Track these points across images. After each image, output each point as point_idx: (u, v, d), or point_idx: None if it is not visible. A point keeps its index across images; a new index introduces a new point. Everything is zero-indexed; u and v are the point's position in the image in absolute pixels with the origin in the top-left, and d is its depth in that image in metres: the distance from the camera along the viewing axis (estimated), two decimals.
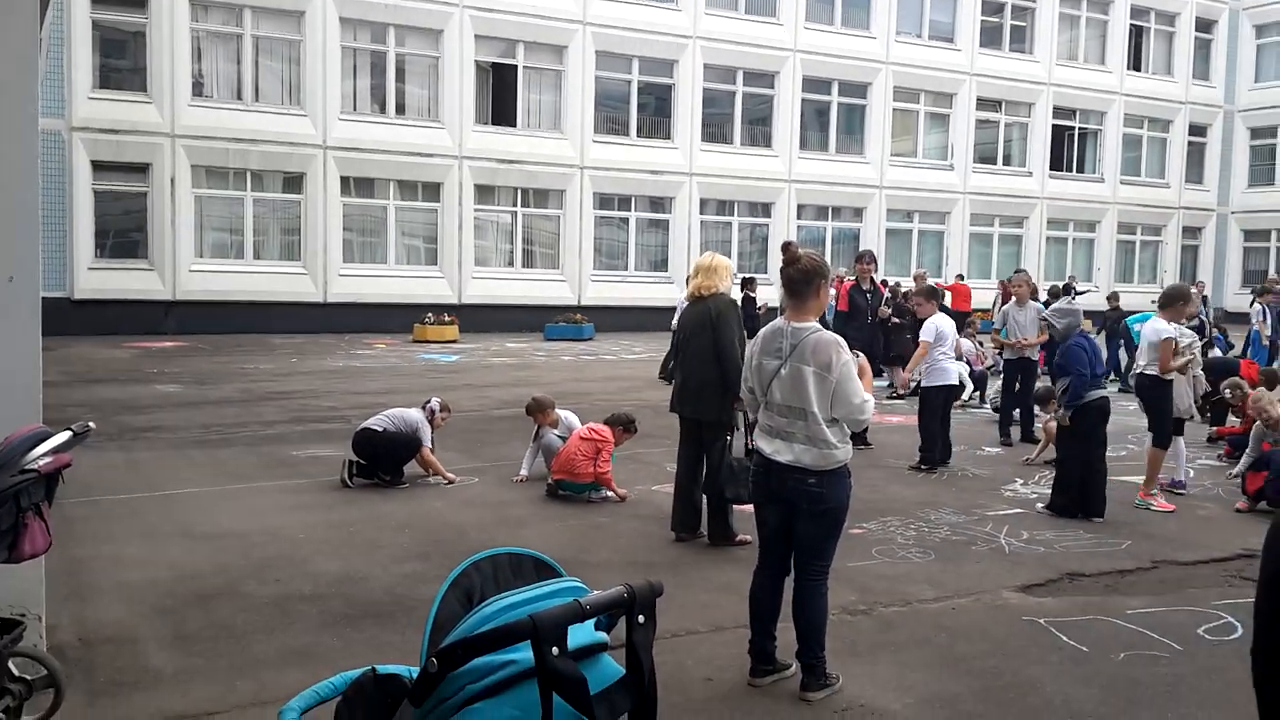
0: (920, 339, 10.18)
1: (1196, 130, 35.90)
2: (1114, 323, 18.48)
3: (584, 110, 26.86)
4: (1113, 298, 21.95)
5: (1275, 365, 16.26)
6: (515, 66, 26.40)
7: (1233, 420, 11.26)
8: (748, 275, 19.78)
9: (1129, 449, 11.10)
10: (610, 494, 8.24)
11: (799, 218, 29.74)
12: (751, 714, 4.43)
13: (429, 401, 9.19)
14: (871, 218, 30.56)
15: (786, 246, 4.81)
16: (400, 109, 25.53)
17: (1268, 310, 17.53)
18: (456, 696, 2.18)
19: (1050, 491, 8.44)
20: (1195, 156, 36.08)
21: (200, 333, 22.39)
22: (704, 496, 7.09)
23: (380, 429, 8.59)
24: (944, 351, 10.11)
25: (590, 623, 2.30)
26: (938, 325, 10.15)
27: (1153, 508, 8.46)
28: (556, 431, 8.92)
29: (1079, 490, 8.14)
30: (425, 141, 25.23)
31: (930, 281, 14.25)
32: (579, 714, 2.10)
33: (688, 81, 27.91)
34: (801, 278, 4.65)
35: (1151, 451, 8.67)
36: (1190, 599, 6.06)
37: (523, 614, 2.11)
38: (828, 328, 4.85)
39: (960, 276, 27.38)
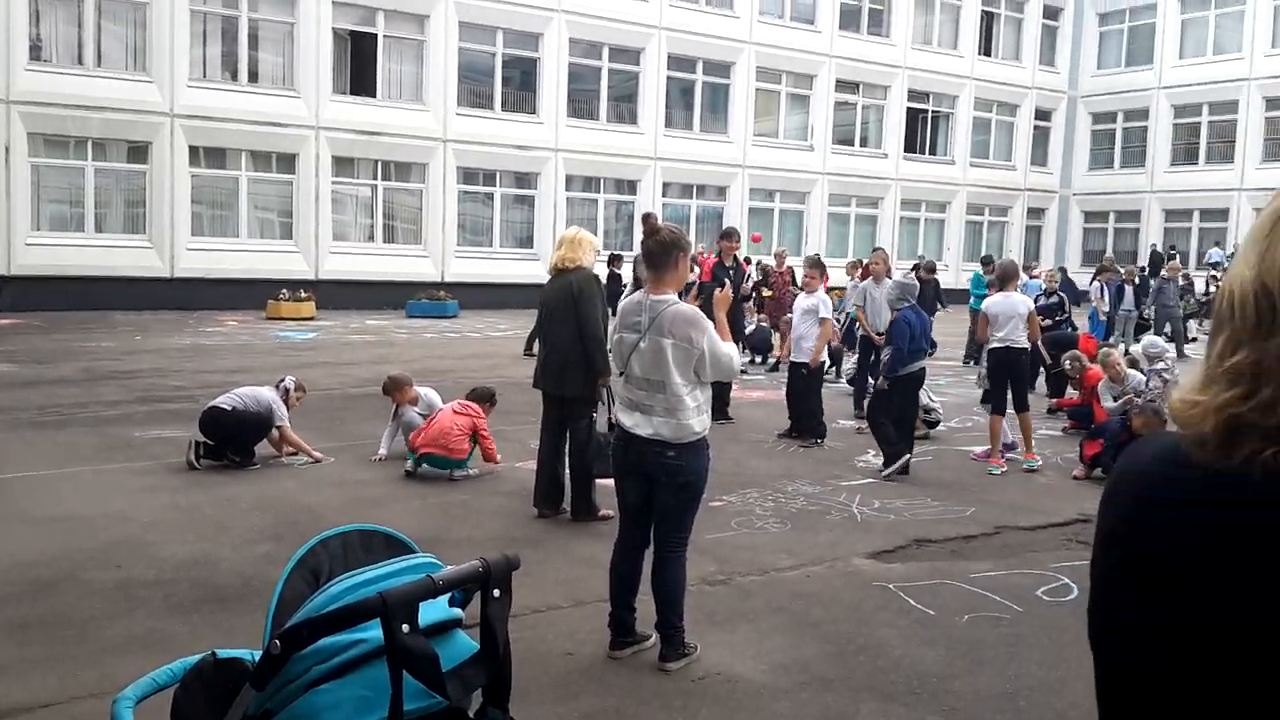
0: (820, 316, 10.27)
1: (1042, 115, 37.48)
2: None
3: (447, 82, 26.37)
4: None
5: (1112, 339, 17.24)
6: (375, 35, 25.70)
7: (1071, 392, 11.85)
8: (614, 253, 19.81)
9: (975, 420, 11.55)
10: (471, 471, 8.18)
11: (665, 195, 29.89)
12: (610, 686, 4.46)
13: (283, 380, 8.92)
14: (735, 196, 30.95)
15: (646, 218, 4.84)
16: (254, 77, 24.57)
17: (1105, 288, 18.64)
18: (302, 679, 2.13)
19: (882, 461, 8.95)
20: (1040, 140, 37.68)
21: (38, 309, 21.18)
22: (567, 472, 7.10)
23: (229, 408, 8.29)
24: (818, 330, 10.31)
25: (444, 599, 2.27)
26: (827, 300, 10.41)
27: (1036, 466, 9.18)
28: (417, 409, 8.78)
29: (891, 448, 8.81)
30: (280, 111, 24.36)
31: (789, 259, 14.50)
32: (431, 691, 2.07)
33: (553, 56, 27.68)
34: (660, 250, 4.67)
35: (1024, 418, 9.34)
36: (1030, 562, 6.36)
37: (372, 591, 2.07)
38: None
39: (817, 257, 28.04)
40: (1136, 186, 35.96)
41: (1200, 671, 1.01)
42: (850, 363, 13.95)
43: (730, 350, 4.64)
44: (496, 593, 2.19)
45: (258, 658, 2.17)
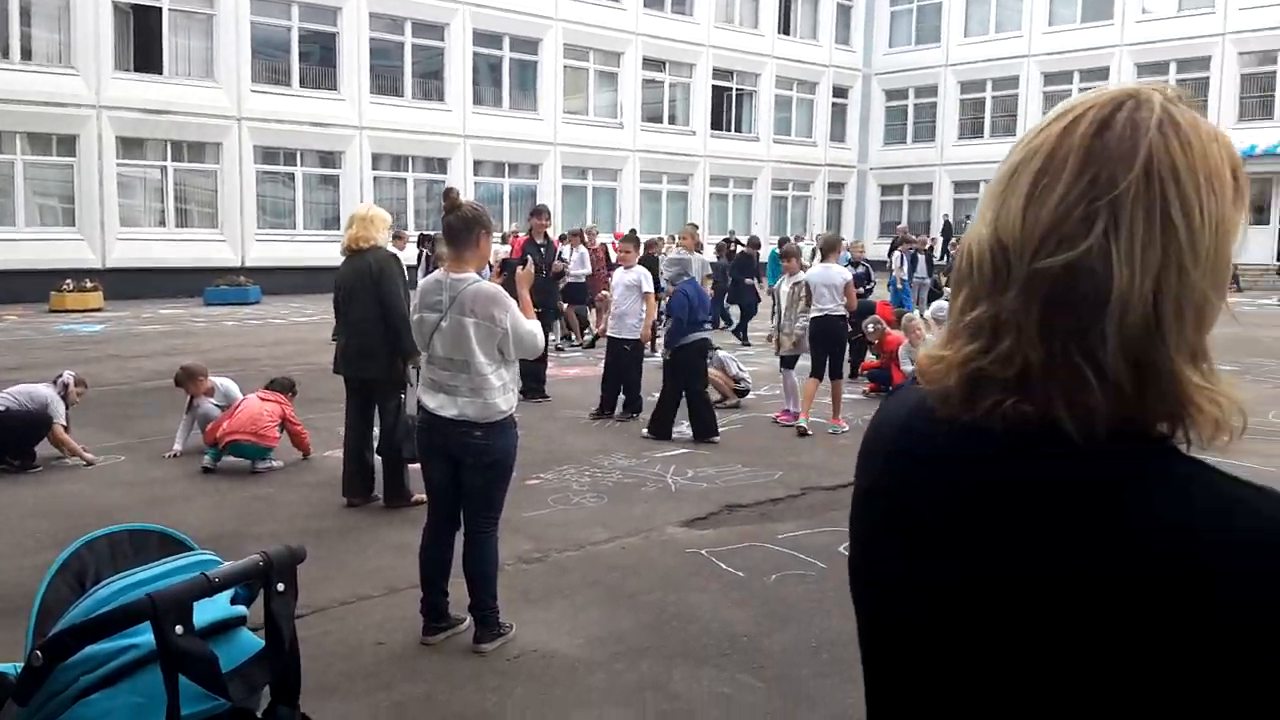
0: (644, 290, 10.26)
1: (839, 92, 38.85)
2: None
3: (239, 57, 25.17)
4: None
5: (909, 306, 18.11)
6: (159, 9, 24.24)
7: (871, 357, 12.36)
8: (424, 233, 19.41)
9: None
10: (276, 463, 7.88)
11: (476, 174, 29.50)
12: (422, 673, 4.38)
13: (60, 375, 8.34)
14: (547, 174, 30.84)
15: (447, 193, 4.72)
16: (26, 54, 22.80)
17: (904, 257, 19.71)
18: (69, 690, 2.00)
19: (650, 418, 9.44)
20: (838, 117, 39.06)
21: None
22: (377, 458, 6.92)
23: (3, 408, 7.70)
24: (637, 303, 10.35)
25: (226, 597, 2.17)
26: (647, 275, 10.46)
27: (843, 430, 9.56)
28: (213, 401, 8.38)
29: (692, 419, 9.22)
30: (57, 90, 22.70)
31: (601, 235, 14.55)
32: (212, 693, 1.97)
33: (353, 30, 26.81)
34: (462, 226, 4.57)
35: (837, 385, 9.78)
36: (833, 521, 6.60)
37: (141, 593, 1.95)
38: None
39: (633, 231, 28.25)
40: (928, 160, 37.76)
41: (952, 627, 1.03)
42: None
43: (534, 328, 4.61)
44: (280, 587, 2.10)
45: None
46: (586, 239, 16.15)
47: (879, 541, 1.12)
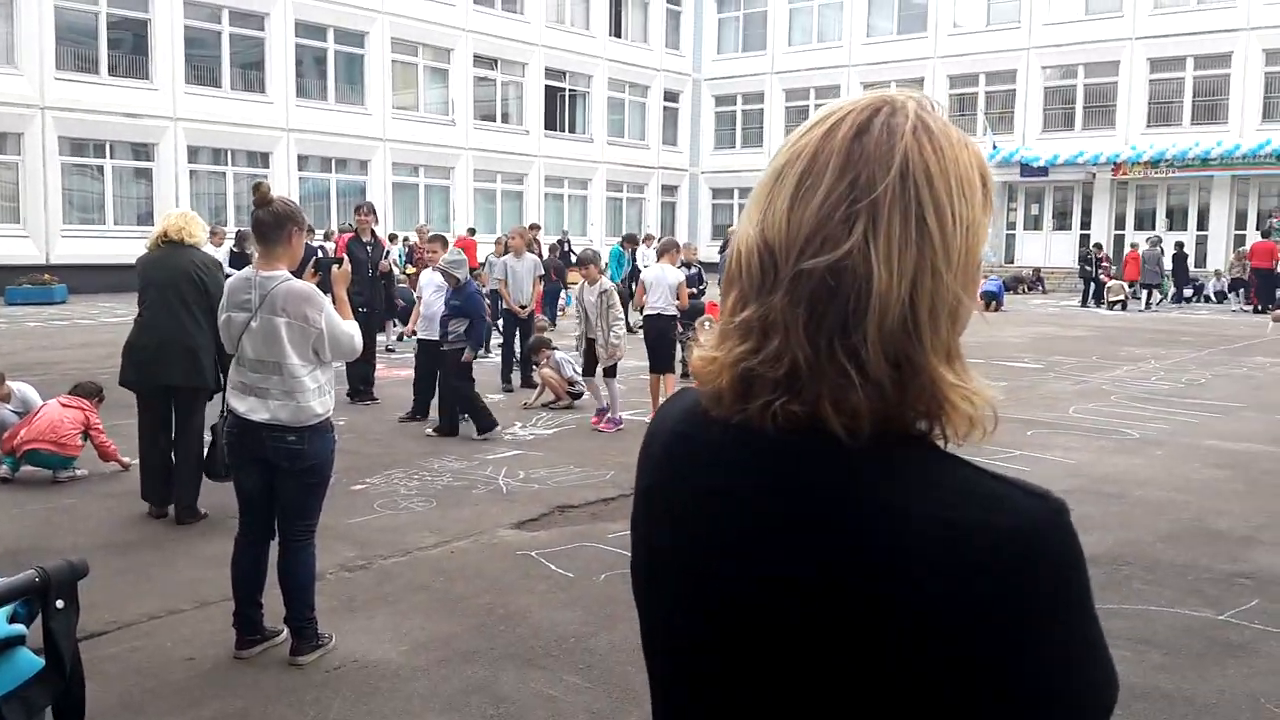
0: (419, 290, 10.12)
1: (670, 96, 39.39)
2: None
3: (42, 43, 23.64)
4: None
5: None
6: None
7: None
8: (244, 230, 18.64)
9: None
10: (79, 472, 7.42)
11: (301, 169, 28.57)
12: (236, 688, 4.20)
13: None
14: (376, 171, 30.15)
15: (257, 187, 4.52)
16: None
17: None
18: None
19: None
20: (670, 120, 39.59)
21: None
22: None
23: None
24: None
25: (4, 615, 2.02)
26: (435, 280, 10.15)
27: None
28: (9, 407, 7.84)
29: (476, 416, 9.30)
30: None
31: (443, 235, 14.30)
32: None
33: (166, 17, 25.54)
34: (273, 221, 4.39)
35: (668, 379, 10.00)
36: None
37: None
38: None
39: (471, 231, 27.87)
40: (756, 165, 38.58)
41: (728, 627, 1.04)
42: (498, 338, 14.01)
43: (351, 329, 4.47)
44: (60, 604, 1.96)
45: None
46: (418, 238, 15.83)
47: (656, 543, 1.12)
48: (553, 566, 5.69)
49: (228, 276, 5.18)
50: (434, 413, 9.77)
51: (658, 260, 10.59)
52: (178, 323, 6.31)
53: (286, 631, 4.49)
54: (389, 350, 14.58)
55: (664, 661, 1.14)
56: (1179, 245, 27.39)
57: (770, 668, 1.01)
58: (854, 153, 0.97)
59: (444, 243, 10.81)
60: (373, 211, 11.11)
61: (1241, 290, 26.31)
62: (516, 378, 12.16)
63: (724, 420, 1.02)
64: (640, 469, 1.15)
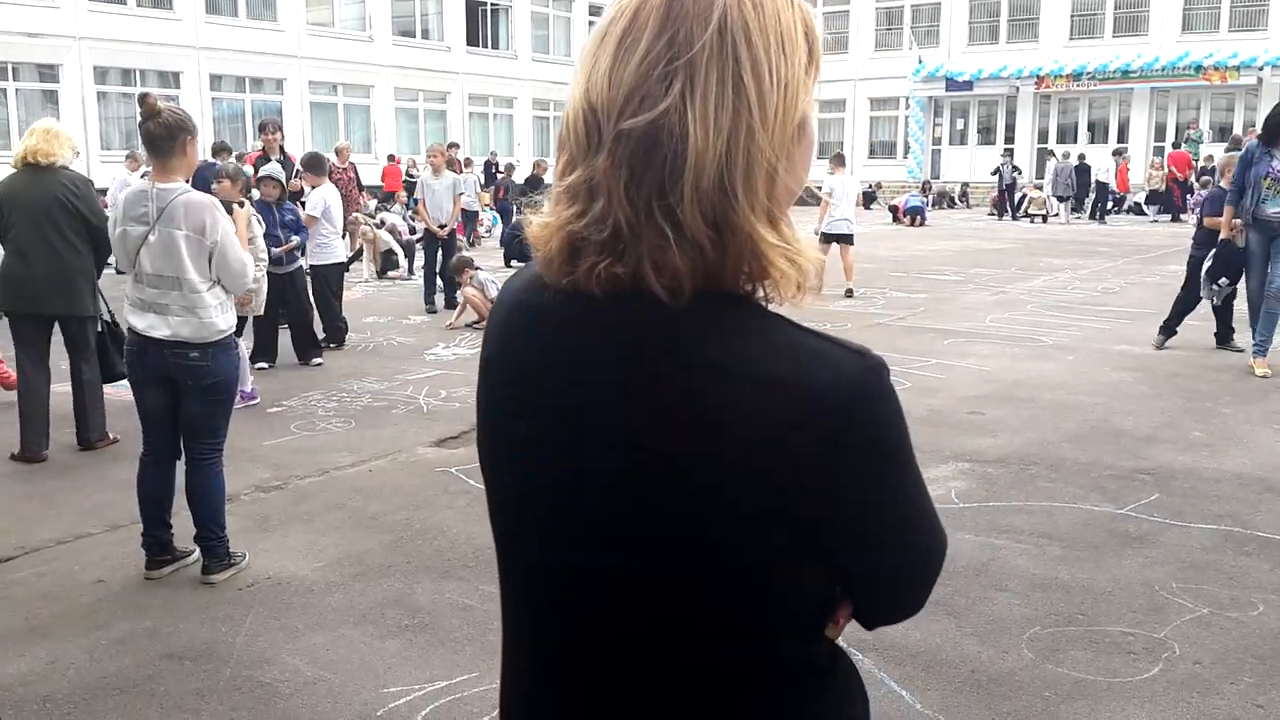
0: (306, 213, 9.51)
1: (595, 11, 38.57)
2: None
3: None
4: None
5: None
6: None
7: None
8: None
9: None
10: None
11: (214, 89, 27.61)
12: (146, 609, 4.16)
13: None
14: (292, 90, 29.23)
15: (144, 99, 4.36)
16: None
17: None
18: None
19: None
20: None
21: None
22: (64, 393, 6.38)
23: None
24: (331, 229, 9.78)
25: None
26: (325, 199, 9.65)
27: None
28: None
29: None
30: None
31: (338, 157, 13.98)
32: None
33: None
34: (165, 133, 4.24)
35: None
36: None
37: None
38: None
39: (391, 157, 27.25)
40: None
41: (569, 486, 1.05)
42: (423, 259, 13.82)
43: (245, 258, 4.38)
44: None
45: None
46: (338, 158, 15.42)
47: (497, 410, 1.12)
48: (472, 482, 5.69)
49: None
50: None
51: None
52: (54, 252, 5.96)
53: (198, 551, 4.45)
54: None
55: (505, 522, 1.15)
56: (1081, 157, 27.82)
57: (603, 523, 1.02)
58: (674, 9, 0.95)
59: (323, 166, 10.34)
60: (279, 129, 10.79)
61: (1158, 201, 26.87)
62: (440, 300, 12.03)
63: (554, 284, 1.02)
64: (484, 342, 1.15)
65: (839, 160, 13.78)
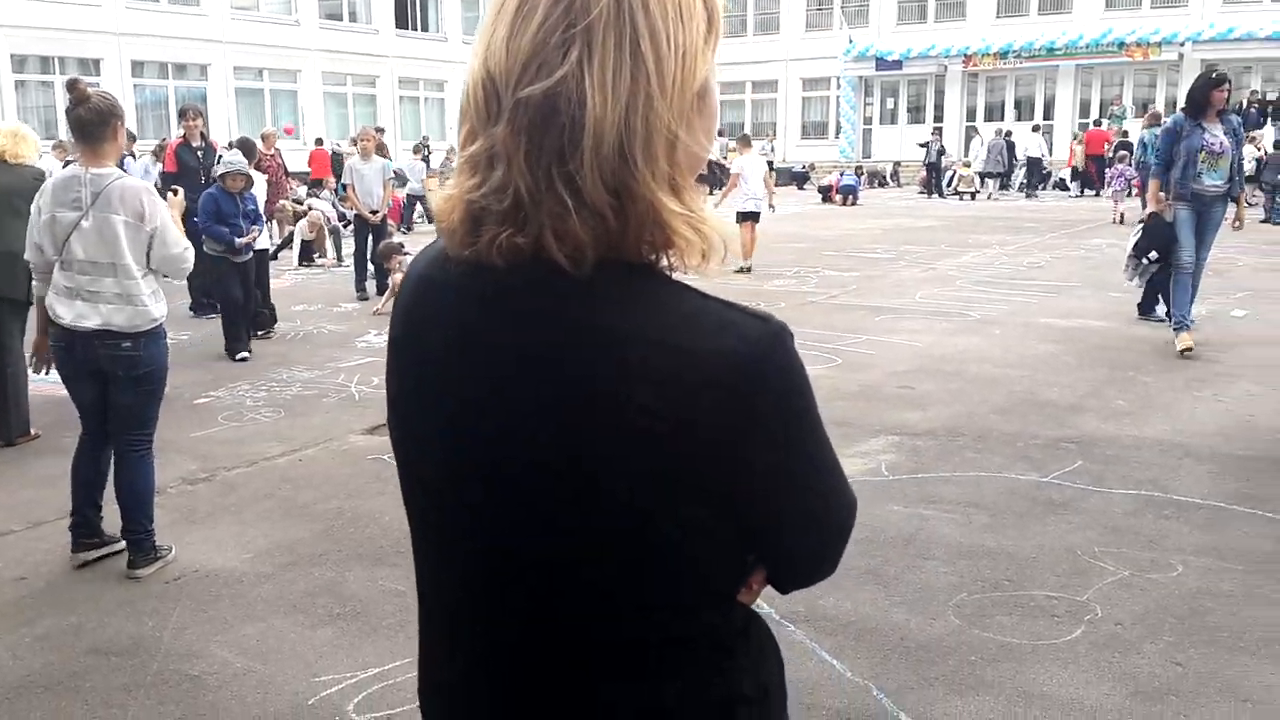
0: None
1: None
2: None
3: None
4: None
5: None
6: None
7: None
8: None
9: None
10: None
11: (136, 76, 26.94)
12: (70, 604, 4.08)
13: None
14: (218, 76, 28.64)
15: (73, 85, 4.27)
16: None
17: None
18: None
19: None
20: None
21: None
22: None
23: None
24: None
25: None
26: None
27: None
28: None
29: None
30: None
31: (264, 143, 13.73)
32: None
33: None
34: (96, 118, 4.16)
35: None
36: None
37: None
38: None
39: (319, 141, 26.82)
40: None
41: (481, 461, 1.04)
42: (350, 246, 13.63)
43: (184, 243, 4.32)
44: None
45: None
46: (263, 144, 15.14)
47: (408, 389, 1.11)
48: None
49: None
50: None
51: None
52: (14, 236, 5.83)
53: (125, 544, 4.37)
54: None
55: (430, 501, 1.14)
56: (1007, 134, 28.29)
57: (525, 498, 1.02)
58: None
59: (254, 152, 10.25)
60: (200, 115, 10.56)
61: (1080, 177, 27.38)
62: (372, 286, 11.88)
63: (457, 257, 1.01)
64: (391, 320, 1.14)
65: (745, 141, 14.35)
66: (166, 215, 4.27)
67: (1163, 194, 8.08)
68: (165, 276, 4.34)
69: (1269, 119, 23.40)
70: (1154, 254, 8.28)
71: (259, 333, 9.36)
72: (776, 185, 26.01)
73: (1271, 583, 4.04)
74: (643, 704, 1.05)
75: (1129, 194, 18.96)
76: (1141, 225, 8.45)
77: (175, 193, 4.75)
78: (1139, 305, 9.44)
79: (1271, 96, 24.67)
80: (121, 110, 4.35)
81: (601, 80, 0.93)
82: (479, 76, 0.99)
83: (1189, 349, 7.89)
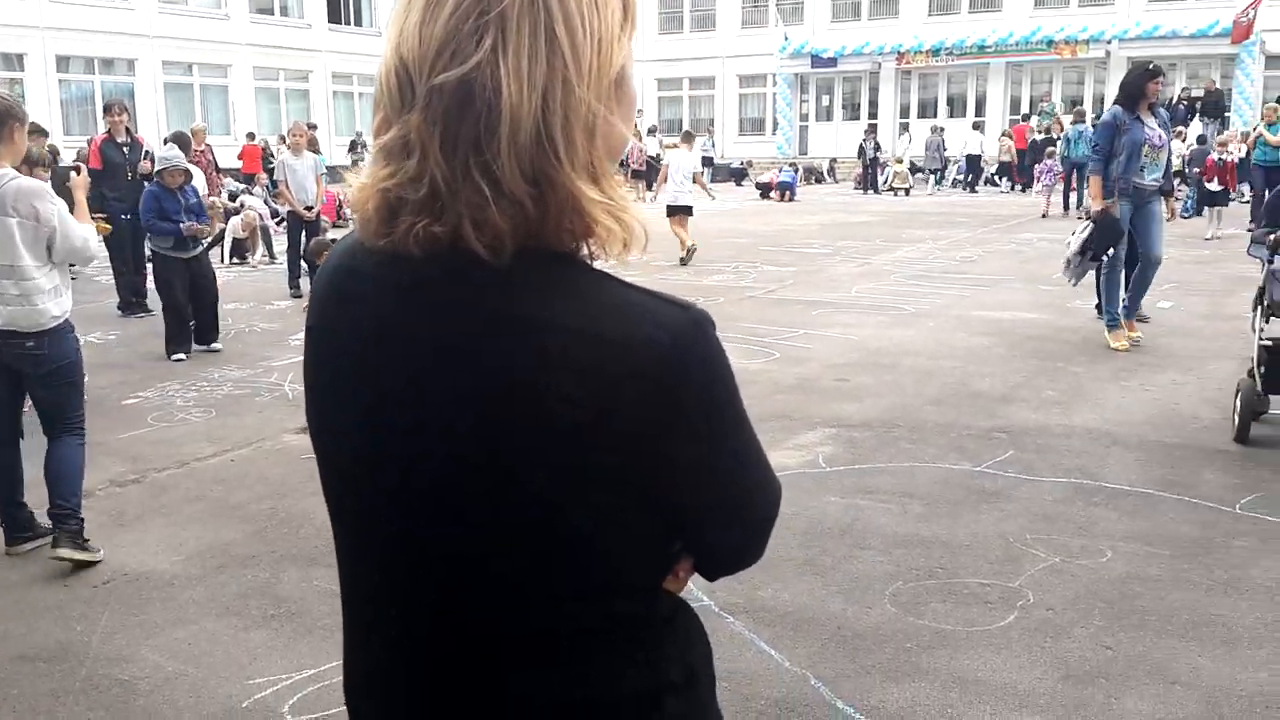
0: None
1: None
2: None
3: None
4: None
5: None
6: None
7: None
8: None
9: None
10: None
11: (61, 71, 26.27)
12: None
13: None
14: (146, 71, 28.01)
15: None
16: None
17: None
18: None
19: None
20: None
21: None
22: None
23: None
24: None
25: None
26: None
27: None
28: None
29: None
30: None
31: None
32: None
33: None
34: None
35: None
36: None
37: None
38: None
39: (250, 136, 26.37)
40: None
41: (399, 452, 1.03)
42: (283, 244, 13.43)
43: (86, 232, 4.27)
44: None
45: None
46: (194, 139, 14.85)
47: (325, 380, 1.10)
48: None
49: None
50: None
51: None
52: None
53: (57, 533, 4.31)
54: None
55: (336, 495, 1.13)
56: (940, 131, 28.80)
57: (444, 488, 1.01)
58: None
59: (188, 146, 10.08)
60: (125, 110, 10.33)
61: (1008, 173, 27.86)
62: (306, 284, 11.71)
63: (372, 247, 1.00)
64: (308, 310, 1.12)
65: (687, 138, 14.77)
66: (64, 210, 4.24)
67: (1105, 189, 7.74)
68: (74, 266, 4.30)
69: (1196, 115, 23.98)
70: (1111, 252, 7.88)
71: (202, 347, 8.95)
72: (714, 181, 26.20)
73: (1197, 567, 4.14)
74: (555, 695, 1.04)
75: (1055, 189, 19.68)
76: (1090, 224, 7.92)
77: (79, 172, 4.70)
78: (1097, 306, 8.74)
79: (1197, 93, 25.28)
80: (21, 112, 4.30)
81: (517, 67, 0.92)
82: (392, 63, 0.97)
83: (1123, 348, 7.80)
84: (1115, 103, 7.99)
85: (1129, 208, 7.80)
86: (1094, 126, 21.50)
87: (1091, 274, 8.21)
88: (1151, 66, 7.98)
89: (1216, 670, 3.37)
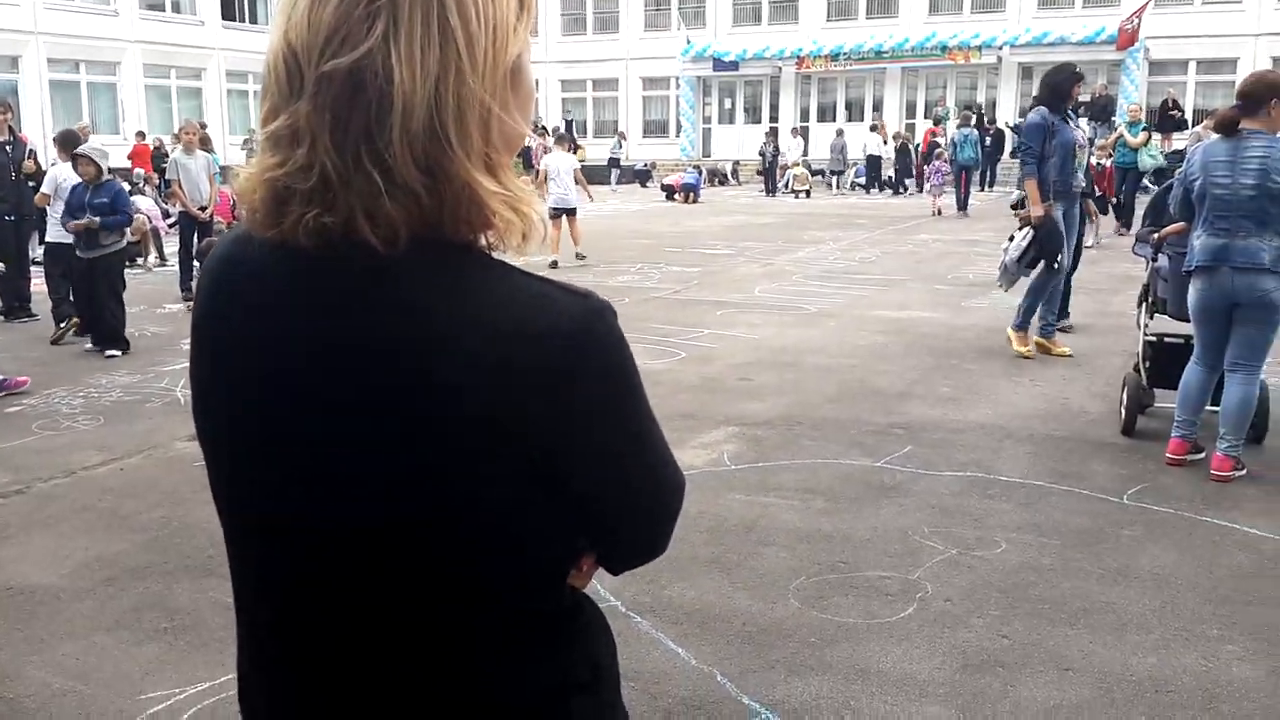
0: (42, 191, 9.12)
1: None
2: None
3: None
4: None
5: None
6: None
7: None
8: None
9: None
10: None
11: None
12: None
13: None
14: (30, 68, 26.91)
15: None
16: None
17: None
18: None
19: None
20: None
21: None
22: None
23: None
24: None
25: None
26: (58, 177, 9.21)
27: None
28: None
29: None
30: None
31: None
32: None
33: None
34: None
35: None
36: None
37: None
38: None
39: (141, 135, 25.52)
40: None
41: (287, 451, 1.00)
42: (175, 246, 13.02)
43: None
44: None
45: None
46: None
47: (207, 373, 1.06)
48: None
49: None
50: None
51: None
52: None
53: None
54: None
55: (226, 500, 1.09)
56: (842, 133, 29.47)
57: (338, 484, 0.98)
58: None
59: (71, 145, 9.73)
60: (9, 108, 9.92)
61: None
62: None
63: (260, 238, 0.97)
64: (194, 303, 1.09)
65: (561, 139, 15.36)
66: None
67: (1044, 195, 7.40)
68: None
69: (1086, 119, 24.87)
70: (1060, 258, 7.60)
71: (107, 352, 8.49)
72: (620, 184, 26.18)
73: (1088, 556, 4.28)
74: (460, 695, 1.03)
75: (944, 190, 20.79)
76: (1029, 231, 7.50)
77: None
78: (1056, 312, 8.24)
79: (1084, 98, 26.20)
80: None
81: (409, 54, 0.90)
82: (280, 49, 0.95)
83: (1027, 354, 7.68)
84: (1040, 103, 7.71)
85: (1062, 211, 7.59)
86: (1013, 130, 21.56)
87: (1024, 279, 7.83)
88: (1077, 69, 7.93)
89: (1108, 656, 3.49)
